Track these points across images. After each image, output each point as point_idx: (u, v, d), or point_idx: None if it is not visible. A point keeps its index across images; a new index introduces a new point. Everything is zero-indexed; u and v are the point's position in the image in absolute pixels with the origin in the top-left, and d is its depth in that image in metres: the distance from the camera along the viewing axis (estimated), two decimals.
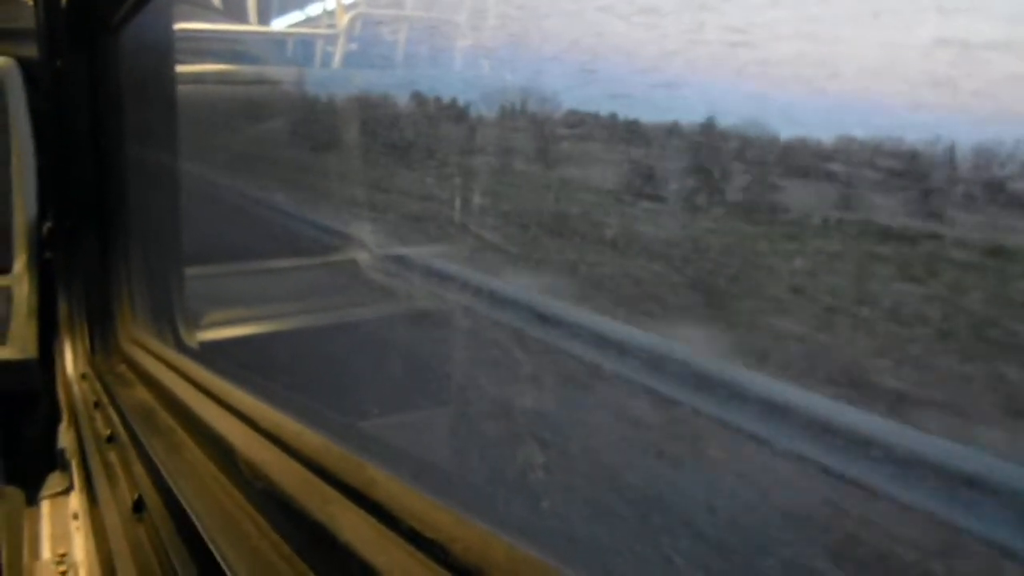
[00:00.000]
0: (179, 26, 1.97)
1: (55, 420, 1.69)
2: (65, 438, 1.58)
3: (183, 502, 0.82)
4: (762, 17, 0.37)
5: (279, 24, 2.91)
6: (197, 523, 0.77)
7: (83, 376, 1.62)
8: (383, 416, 1.23)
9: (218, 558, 0.70)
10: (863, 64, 0.33)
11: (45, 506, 1.46)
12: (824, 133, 0.47)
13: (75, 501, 1.42)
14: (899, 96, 0.32)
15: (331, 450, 0.75)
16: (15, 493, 1.45)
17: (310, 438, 0.79)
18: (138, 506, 0.97)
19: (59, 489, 1.50)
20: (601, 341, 0.96)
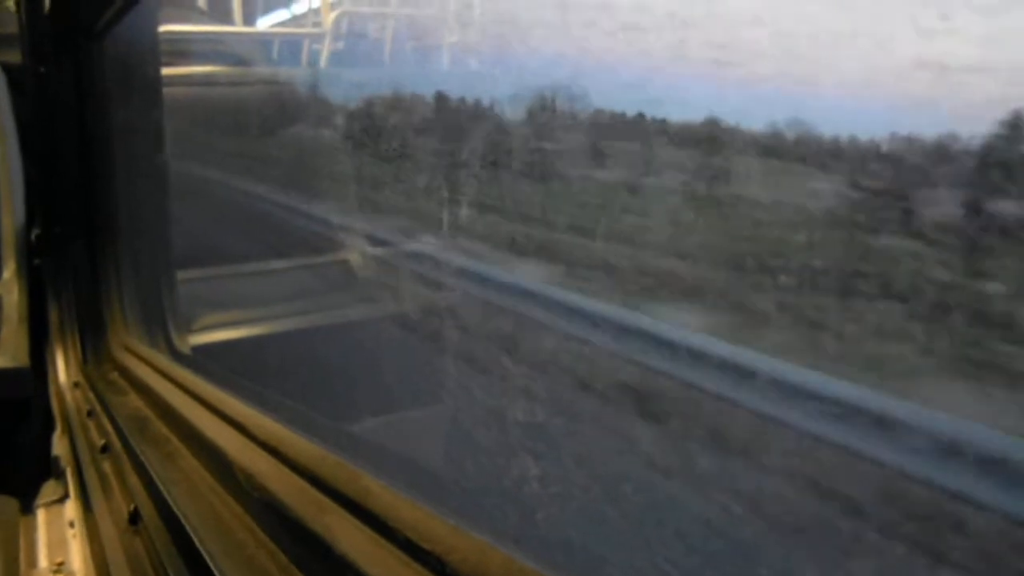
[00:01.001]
0: (164, 29, 1.96)
1: (49, 428, 1.68)
2: (59, 446, 1.58)
3: (178, 513, 0.82)
4: (743, 35, 0.37)
5: (264, 24, 2.90)
6: (193, 534, 0.77)
7: (76, 384, 1.62)
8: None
9: (214, 570, 0.70)
10: (843, 81, 0.34)
11: (41, 514, 1.46)
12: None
13: (71, 509, 1.42)
14: (879, 115, 0.32)
15: (327, 460, 0.75)
16: (10, 502, 1.45)
17: (306, 448, 0.79)
18: (134, 517, 0.97)
19: (55, 497, 1.50)
20: None
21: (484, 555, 0.55)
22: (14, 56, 1.95)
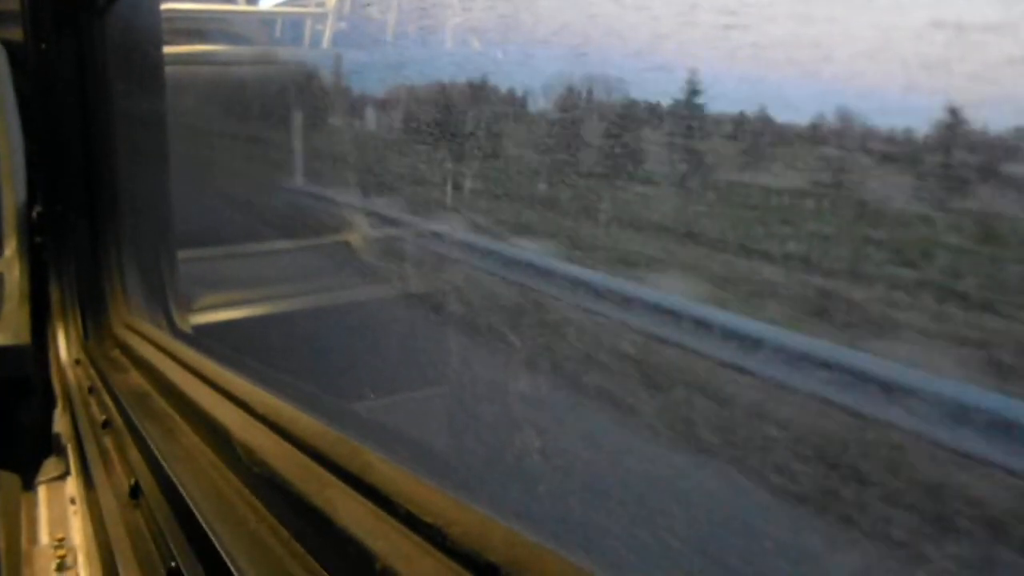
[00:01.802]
0: (167, 7, 1.94)
1: (50, 405, 1.68)
2: (61, 423, 1.58)
3: (180, 487, 0.82)
4: None
5: (266, 3, 2.88)
6: (194, 508, 0.77)
7: (77, 361, 1.62)
8: None
9: (215, 542, 0.70)
10: (857, 46, 0.33)
11: (42, 491, 1.46)
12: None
13: (72, 486, 1.42)
14: (893, 78, 0.32)
15: (328, 435, 0.75)
16: (11, 478, 1.45)
17: (307, 423, 0.79)
18: (135, 491, 0.97)
19: (55, 474, 1.51)
20: None
21: (485, 528, 0.54)
22: (15, 33, 1.94)
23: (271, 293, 2.12)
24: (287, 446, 0.78)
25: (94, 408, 1.34)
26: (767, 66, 0.37)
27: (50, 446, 1.59)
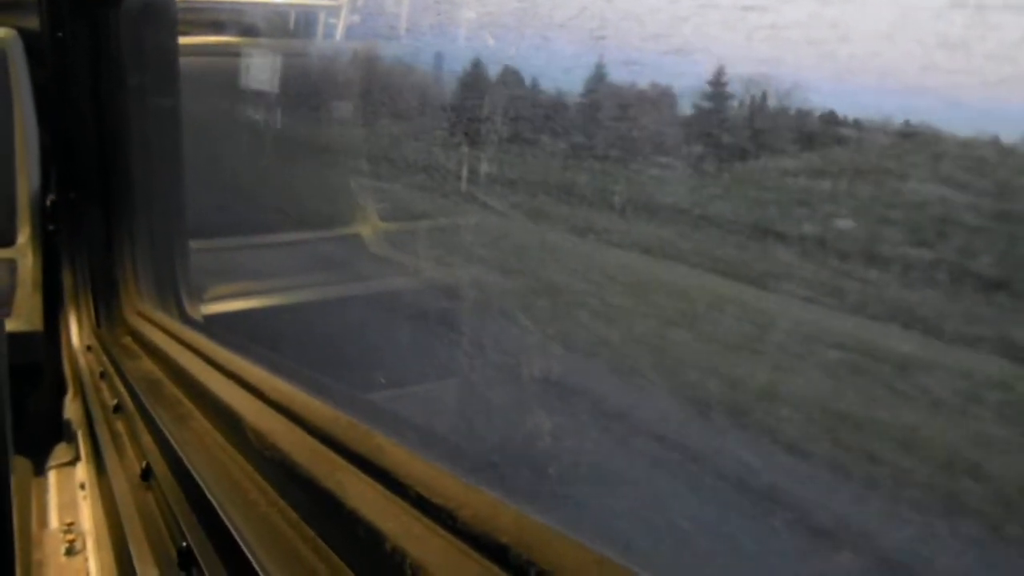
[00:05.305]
0: None
1: (61, 392, 1.70)
2: (71, 409, 1.60)
3: (191, 470, 0.83)
4: None
5: None
6: (206, 491, 0.78)
7: (88, 348, 1.63)
8: None
9: (227, 524, 0.71)
10: (875, 26, 0.33)
11: (52, 476, 1.48)
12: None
13: (82, 471, 1.43)
14: (911, 59, 0.32)
15: (338, 419, 0.76)
16: (23, 463, 1.47)
17: (317, 407, 0.80)
18: (146, 474, 0.98)
19: (66, 460, 1.52)
20: None
21: (495, 511, 0.55)
22: (31, 21, 1.95)
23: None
24: (298, 430, 0.78)
25: (105, 393, 1.35)
26: (785, 47, 0.37)
27: (60, 432, 1.60)
